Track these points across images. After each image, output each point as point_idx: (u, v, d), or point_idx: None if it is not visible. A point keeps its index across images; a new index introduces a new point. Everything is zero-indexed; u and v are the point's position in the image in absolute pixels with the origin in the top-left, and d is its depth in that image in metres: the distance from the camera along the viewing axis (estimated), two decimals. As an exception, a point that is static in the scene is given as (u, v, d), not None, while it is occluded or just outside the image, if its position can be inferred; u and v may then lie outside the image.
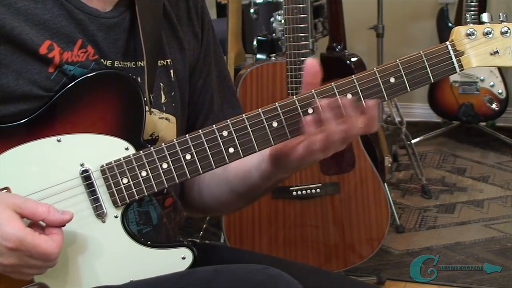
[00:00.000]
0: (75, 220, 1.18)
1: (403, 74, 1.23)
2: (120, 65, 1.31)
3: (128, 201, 1.24)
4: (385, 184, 2.79)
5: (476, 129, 4.22)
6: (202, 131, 1.23)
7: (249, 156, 1.30)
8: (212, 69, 1.47)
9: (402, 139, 3.68)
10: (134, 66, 1.32)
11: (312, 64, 1.23)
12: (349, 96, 1.21)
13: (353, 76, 1.22)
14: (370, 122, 1.22)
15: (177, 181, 1.24)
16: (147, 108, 1.27)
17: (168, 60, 1.38)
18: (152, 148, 1.24)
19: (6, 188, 1.21)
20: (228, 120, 1.23)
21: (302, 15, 2.37)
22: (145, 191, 1.24)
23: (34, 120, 1.23)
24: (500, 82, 3.98)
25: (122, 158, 1.24)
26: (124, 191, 1.24)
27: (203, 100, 1.46)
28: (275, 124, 1.22)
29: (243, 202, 1.46)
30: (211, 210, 1.56)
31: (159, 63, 1.36)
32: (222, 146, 1.23)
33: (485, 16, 1.24)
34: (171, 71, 1.38)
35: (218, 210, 1.60)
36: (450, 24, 4.05)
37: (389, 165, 3.15)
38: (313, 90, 1.22)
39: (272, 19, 2.93)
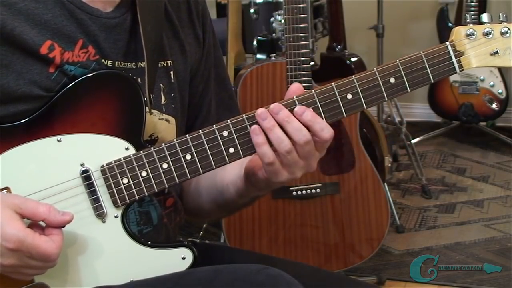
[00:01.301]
0: (75, 220, 1.19)
1: (403, 74, 1.23)
2: (121, 66, 1.31)
3: (128, 201, 1.24)
4: (385, 184, 2.79)
5: (476, 129, 4.21)
6: (202, 131, 1.23)
7: (229, 170, 1.30)
8: (211, 72, 1.47)
9: (402, 139, 3.68)
10: (134, 67, 1.32)
11: (295, 89, 1.23)
12: (275, 103, 1.20)
13: (353, 76, 1.22)
14: (315, 127, 1.20)
15: (177, 181, 1.24)
16: (147, 109, 1.27)
17: (169, 62, 1.38)
18: (152, 148, 1.24)
19: (6, 188, 1.21)
20: (229, 120, 1.23)
21: (302, 15, 2.37)
22: (145, 191, 1.24)
23: (34, 120, 1.23)
24: (500, 82, 3.98)
25: (122, 158, 1.24)
26: (124, 191, 1.24)
27: (202, 103, 1.46)
28: (275, 124, 1.22)
29: (223, 213, 1.48)
30: (201, 216, 1.58)
31: (159, 64, 1.36)
32: (222, 146, 1.23)
33: (485, 17, 1.24)
34: (172, 72, 1.38)
35: (205, 216, 1.61)
36: (450, 24, 4.05)
37: (389, 165, 3.15)
38: (313, 91, 1.22)
39: (272, 19, 2.93)
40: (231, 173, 1.33)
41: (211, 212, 1.46)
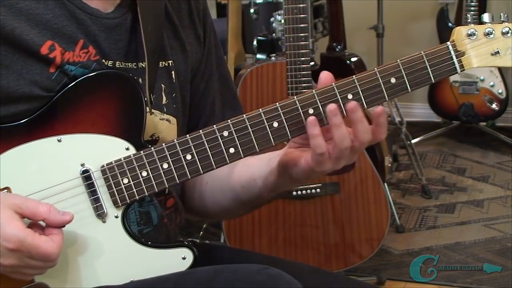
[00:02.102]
0: (75, 220, 1.18)
1: (404, 74, 1.22)
2: (121, 66, 1.31)
3: (128, 201, 1.24)
4: (385, 184, 2.80)
5: (476, 129, 4.21)
6: (202, 131, 1.23)
7: (254, 165, 1.29)
8: (213, 72, 1.47)
9: (402, 139, 3.68)
10: (135, 67, 1.32)
11: (326, 77, 1.23)
12: (353, 101, 1.20)
13: (353, 76, 1.22)
14: (378, 129, 1.21)
15: (178, 181, 1.24)
16: (147, 109, 1.27)
17: (170, 62, 1.37)
18: (152, 148, 1.24)
19: (6, 188, 1.21)
20: (229, 120, 1.23)
21: (302, 15, 2.37)
22: (145, 191, 1.24)
23: (35, 120, 1.23)
24: (500, 82, 3.98)
25: (122, 158, 1.24)
26: (125, 191, 1.24)
27: (205, 103, 1.46)
28: (275, 124, 1.22)
29: (244, 210, 1.46)
30: (211, 215, 1.56)
31: (160, 64, 1.35)
32: (222, 146, 1.23)
33: (486, 17, 1.24)
34: (173, 72, 1.38)
35: (218, 215, 1.60)
36: (450, 24, 4.05)
37: (389, 165, 3.15)
38: (313, 90, 1.22)
39: (272, 19, 2.93)
40: (259, 169, 1.32)
41: (231, 210, 1.44)
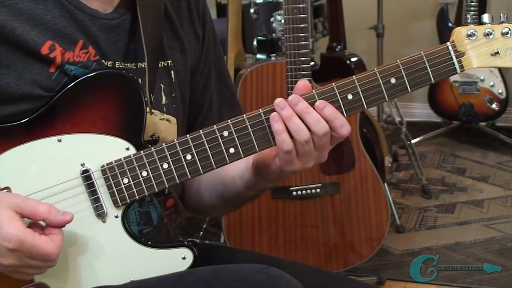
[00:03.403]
0: (75, 220, 1.19)
1: (404, 74, 1.23)
2: (121, 66, 1.31)
3: (128, 201, 1.24)
4: (385, 184, 2.79)
5: (476, 129, 4.21)
6: (202, 131, 1.23)
7: (234, 164, 1.30)
8: (212, 70, 1.47)
9: (402, 139, 3.68)
10: (134, 67, 1.32)
11: (304, 85, 1.23)
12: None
13: (353, 76, 1.22)
14: (334, 122, 1.20)
15: (178, 181, 1.24)
16: (148, 109, 1.27)
17: (169, 61, 1.38)
18: (152, 148, 1.24)
19: (6, 188, 1.21)
20: (229, 120, 1.23)
21: (302, 15, 2.37)
22: (145, 191, 1.24)
23: (35, 120, 1.23)
24: (500, 82, 3.98)
25: (122, 158, 1.24)
26: (125, 191, 1.24)
27: (203, 101, 1.46)
28: (275, 124, 1.22)
29: (229, 207, 1.47)
30: (205, 212, 1.57)
31: (160, 64, 1.36)
32: (222, 146, 1.23)
33: (485, 17, 1.24)
34: (172, 72, 1.38)
35: (210, 213, 1.61)
36: (450, 24, 4.05)
37: (389, 165, 3.15)
38: (313, 91, 1.22)
39: (272, 19, 2.93)
40: (237, 166, 1.33)
41: (217, 207, 1.46)
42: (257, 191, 1.37)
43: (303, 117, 1.20)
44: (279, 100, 1.20)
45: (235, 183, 1.36)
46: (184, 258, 1.27)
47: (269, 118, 1.21)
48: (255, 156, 1.28)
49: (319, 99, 1.22)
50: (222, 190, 1.40)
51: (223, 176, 1.38)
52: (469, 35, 1.23)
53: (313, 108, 1.20)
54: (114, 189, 1.24)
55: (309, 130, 1.20)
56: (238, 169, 1.34)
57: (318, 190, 2.58)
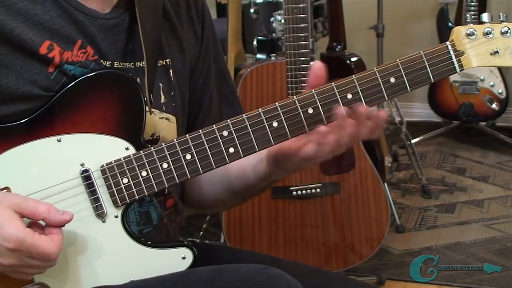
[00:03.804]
0: (75, 220, 1.19)
1: (403, 74, 1.23)
2: (119, 66, 1.31)
3: (128, 201, 1.24)
4: (385, 184, 2.79)
5: (476, 129, 4.22)
6: (202, 131, 1.23)
7: (242, 162, 1.30)
8: (211, 68, 1.47)
9: (402, 139, 3.68)
10: (133, 67, 1.32)
11: (319, 67, 1.24)
12: (364, 105, 1.24)
13: (353, 76, 1.22)
14: (376, 129, 1.24)
15: (177, 181, 1.24)
16: (147, 108, 1.27)
17: (168, 60, 1.38)
18: (152, 148, 1.24)
19: (6, 188, 1.21)
20: (228, 120, 1.23)
21: (302, 15, 2.37)
22: (145, 191, 1.24)
23: (34, 120, 1.23)
24: (500, 82, 3.98)
25: (122, 158, 1.24)
26: (124, 191, 1.24)
27: (203, 99, 1.46)
28: (275, 124, 1.22)
29: (238, 200, 1.47)
30: (208, 207, 1.57)
31: (158, 63, 1.35)
32: (222, 146, 1.23)
33: (485, 16, 1.24)
34: (171, 71, 1.38)
35: (214, 207, 1.60)
36: (450, 24, 4.05)
37: (389, 165, 3.15)
38: (313, 90, 1.22)
39: (272, 19, 2.93)
40: (249, 159, 1.31)
41: (224, 200, 1.45)
42: (269, 182, 1.37)
43: (363, 125, 1.24)
44: (341, 111, 1.21)
45: (247, 174, 1.35)
46: (184, 258, 1.27)
47: (318, 132, 1.22)
48: (272, 147, 1.27)
49: (319, 98, 1.22)
50: (232, 182, 1.39)
51: (232, 168, 1.37)
52: (468, 35, 1.23)
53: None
54: (114, 189, 1.24)
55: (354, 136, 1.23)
56: (249, 161, 1.33)
57: (318, 190, 2.58)
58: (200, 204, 1.50)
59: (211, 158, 1.23)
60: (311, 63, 2.50)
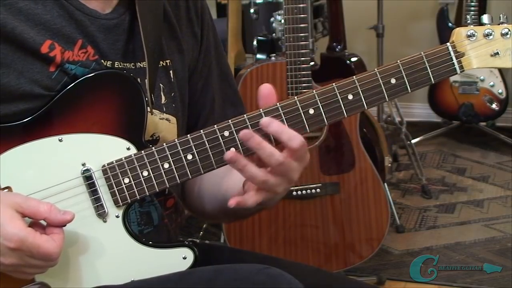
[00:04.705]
0: (76, 219, 1.19)
1: (404, 75, 1.23)
2: (120, 66, 1.31)
3: (129, 200, 1.24)
4: (385, 184, 2.80)
5: (476, 129, 4.22)
6: (203, 131, 1.23)
7: (233, 180, 1.29)
8: (212, 69, 1.47)
9: (402, 139, 3.68)
10: (133, 67, 1.32)
11: (266, 89, 1.22)
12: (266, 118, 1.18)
13: (354, 77, 1.23)
14: (281, 139, 1.18)
15: (179, 181, 1.24)
16: (148, 108, 1.27)
17: (168, 61, 1.38)
18: (153, 148, 1.24)
19: (7, 187, 1.21)
20: (230, 120, 1.23)
21: (302, 15, 2.38)
22: (146, 191, 1.24)
23: (36, 120, 1.24)
24: (500, 82, 3.98)
25: (123, 158, 1.24)
26: (126, 191, 1.24)
27: (204, 100, 1.46)
28: (275, 124, 1.22)
29: (229, 219, 1.47)
30: (205, 217, 1.57)
31: (159, 63, 1.36)
32: (223, 146, 1.23)
33: (485, 18, 1.24)
34: (171, 72, 1.38)
35: (209, 219, 1.59)
36: (450, 24, 4.05)
37: (389, 165, 3.15)
38: (314, 91, 1.22)
39: (272, 19, 2.93)
40: (236, 183, 1.31)
41: (217, 217, 1.45)
42: (258, 208, 1.35)
43: (258, 153, 1.17)
44: (243, 133, 1.17)
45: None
46: (184, 258, 1.27)
47: (227, 160, 1.17)
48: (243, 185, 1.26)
49: (320, 99, 1.22)
50: (222, 202, 1.36)
51: (223, 190, 1.36)
52: (469, 36, 1.24)
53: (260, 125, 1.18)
54: (115, 188, 1.24)
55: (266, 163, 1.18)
56: (237, 186, 1.30)
57: (318, 190, 2.58)
58: (200, 213, 1.49)
59: (212, 158, 1.23)
60: (311, 63, 2.50)
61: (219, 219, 1.51)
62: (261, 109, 1.22)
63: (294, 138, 1.18)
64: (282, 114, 1.22)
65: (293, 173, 1.21)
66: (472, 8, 3.81)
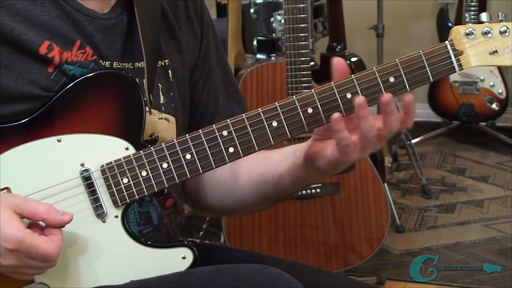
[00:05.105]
0: (75, 220, 1.19)
1: (403, 73, 1.23)
2: (118, 66, 1.31)
3: (128, 200, 1.24)
4: (385, 184, 2.80)
5: (476, 129, 4.22)
6: (202, 130, 1.23)
7: (280, 161, 1.30)
8: (213, 67, 1.47)
9: (402, 139, 3.68)
10: (132, 67, 1.32)
11: (339, 63, 1.23)
12: (389, 94, 1.21)
13: (352, 75, 1.22)
14: (408, 117, 1.23)
15: (177, 180, 1.24)
16: (147, 108, 1.27)
17: (166, 61, 1.38)
18: (152, 148, 1.24)
19: (6, 188, 1.21)
20: (228, 120, 1.23)
21: (302, 15, 2.38)
22: (145, 191, 1.24)
23: (34, 120, 1.23)
24: (500, 82, 3.98)
25: (122, 158, 1.24)
26: (124, 191, 1.24)
27: (207, 99, 1.46)
28: (274, 123, 1.22)
29: (267, 204, 1.45)
30: (230, 212, 1.57)
31: (157, 63, 1.35)
32: (222, 145, 1.23)
33: (484, 16, 1.24)
34: (169, 71, 1.38)
35: (239, 211, 1.57)
36: (450, 24, 4.05)
37: (389, 165, 3.15)
38: (312, 90, 1.22)
39: (272, 19, 2.93)
40: (284, 164, 1.31)
41: (254, 205, 1.43)
42: (304, 185, 1.35)
43: (388, 117, 1.22)
44: (362, 100, 1.20)
45: (283, 180, 1.33)
46: (184, 258, 1.27)
47: (332, 120, 1.19)
48: (307, 150, 1.26)
49: (318, 98, 1.22)
50: (266, 188, 1.37)
51: (267, 174, 1.36)
52: (467, 34, 1.23)
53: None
54: (114, 189, 1.24)
55: (386, 127, 1.22)
56: (285, 167, 1.31)
57: (318, 190, 2.58)
58: (218, 209, 1.49)
59: (211, 158, 1.23)
60: (311, 63, 2.50)
61: (256, 207, 1.49)
62: (259, 109, 1.22)
63: (397, 121, 1.23)
64: (281, 114, 1.22)
65: (369, 150, 1.23)
66: (472, 7, 3.81)
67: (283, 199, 1.43)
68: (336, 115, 1.19)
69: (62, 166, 1.24)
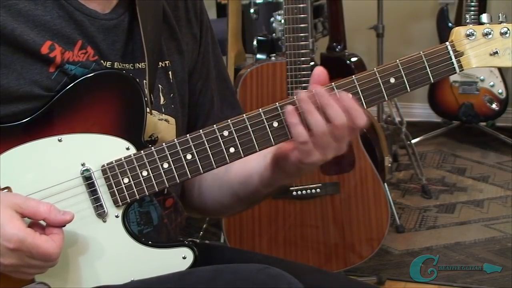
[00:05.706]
0: (76, 219, 1.19)
1: (403, 74, 1.23)
2: (119, 67, 1.31)
3: (129, 200, 1.24)
4: (385, 184, 2.80)
5: (476, 129, 4.22)
6: (202, 131, 1.23)
7: (251, 161, 1.30)
8: (211, 70, 1.47)
9: (402, 139, 3.68)
10: (132, 68, 1.32)
11: (321, 71, 1.23)
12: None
13: (353, 76, 1.23)
14: (353, 113, 1.20)
15: (178, 180, 1.24)
16: (148, 109, 1.27)
17: (167, 62, 1.38)
18: (153, 148, 1.24)
19: (7, 187, 1.21)
20: (229, 120, 1.23)
21: (302, 15, 2.38)
22: (146, 190, 1.24)
23: (35, 120, 1.24)
24: (500, 82, 3.98)
25: (123, 158, 1.24)
26: (125, 191, 1.24)
27: (203, 101, 1.46)
28: (275, 124, 1.23)
29: (243, 206, 1.46)
30: (211, 212, 1.56)
31: (158, 64, 1.36)
32: (222, 146, 1.23)
33: (484, 17, 1.24)
34: (170, 72, 1.38)
35: (218, 212, 1.60)
36: (450, 24, 4.05)
37: (389, 165, 3.15)
38: (313, 90, 1.22)
39: (272, 19, 2.94)
40: (255, 165, 1.32)
41: (230, 206, 1.44)
42: (274, 188, 1.36)
43: (326, 110, 1.19)
44: (304, 95, 1.19)
45: (253, 180, 1.34)
46: (184, 258, 1.27)
47: (285, 112, 1.20)
48: (273, 150, 1.27)
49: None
50: (238, 188, 1.38)
51: (239, 174, 1.37)
52: (468, 35, 1.24)
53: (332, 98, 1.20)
54: (115, 188, 1.24)
55: (331, 122, 1.19)
56: (256, 167, 1.33)
57: (318, 190, 2.58)
58: (202, 208, 1.50)
59: (212, 158, 1.23)
60: (311, 63, 2.50)
61: (235, 208, 1.50)
62: (260, 109, 1.23)
63: (340, 115, 1.19)
64: (281, 114, 1.22)
65: (328, 151, 1.21)
66: (472, 8, 3.81)
67: (258, 200, 1.43)
68: (289, 107, 1.20)
69: (62, 166, 1.24)
